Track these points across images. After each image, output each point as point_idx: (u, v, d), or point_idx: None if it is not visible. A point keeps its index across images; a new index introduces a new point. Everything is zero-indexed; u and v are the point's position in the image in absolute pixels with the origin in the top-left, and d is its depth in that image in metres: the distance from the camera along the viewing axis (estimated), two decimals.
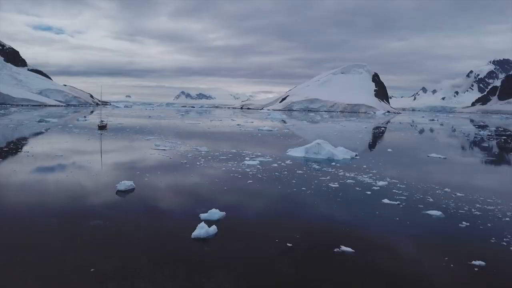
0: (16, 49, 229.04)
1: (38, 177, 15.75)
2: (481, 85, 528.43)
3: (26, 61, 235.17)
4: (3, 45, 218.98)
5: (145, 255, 7.82)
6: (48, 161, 19.52)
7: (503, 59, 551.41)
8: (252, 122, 64.44)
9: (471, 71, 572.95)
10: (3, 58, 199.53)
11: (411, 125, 71.12)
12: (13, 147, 24.75)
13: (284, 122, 71.43)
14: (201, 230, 9.01)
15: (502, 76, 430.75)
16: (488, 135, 48.64)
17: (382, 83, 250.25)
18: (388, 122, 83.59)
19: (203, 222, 9.47)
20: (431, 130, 57.62)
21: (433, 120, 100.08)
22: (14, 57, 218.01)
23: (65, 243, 8.37)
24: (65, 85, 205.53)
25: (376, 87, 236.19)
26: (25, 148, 24.14)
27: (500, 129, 64.94)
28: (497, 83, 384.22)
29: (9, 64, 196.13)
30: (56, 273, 6.95)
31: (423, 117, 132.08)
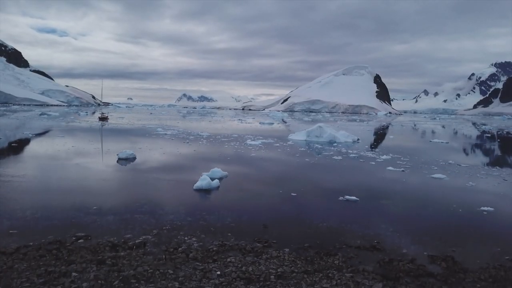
0: (19, 50, 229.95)
1: (43, 155, 15.66)
2: (483, 87, 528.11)
3: (30, 63, 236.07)
4: (5, 46, 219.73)
5: (145, 199, 7.69)
6: (50, 142, 19.44)
7: (505, 62, 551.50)
8: (254, 118, 64.48)
9: (473, 74, 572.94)
10: (5, 59, 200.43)
11: (413, 124, 70.85)
12: (17, 135, 24.69)
13: (286, 120, 71.29)
14: (203, 181, 8.77)
15: (504, 78, 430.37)
16: (489, 129, 48.44)
17: (384, 84, 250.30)
18: (390, 121, 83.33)
19: (205, 174, 9.29)
20: (433, 127, 57.36)
21: (434, 119, 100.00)
22: (16, 58, 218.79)
23: (70, 190, 8.26)
24: (67, 86, 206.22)
25: (377, 88, 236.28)
26: (29, 134, 24.07)
27: (501, 126, 64.62)
28: (499, 85, 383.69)
29: (11, 65, 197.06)
30: (61, 209, 6.88)
31: (424, 117, 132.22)
